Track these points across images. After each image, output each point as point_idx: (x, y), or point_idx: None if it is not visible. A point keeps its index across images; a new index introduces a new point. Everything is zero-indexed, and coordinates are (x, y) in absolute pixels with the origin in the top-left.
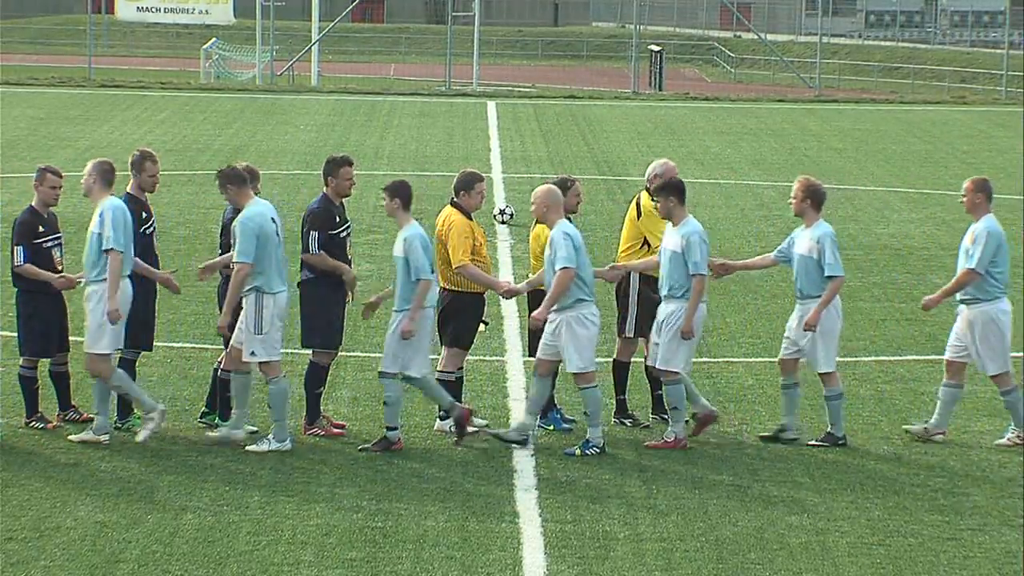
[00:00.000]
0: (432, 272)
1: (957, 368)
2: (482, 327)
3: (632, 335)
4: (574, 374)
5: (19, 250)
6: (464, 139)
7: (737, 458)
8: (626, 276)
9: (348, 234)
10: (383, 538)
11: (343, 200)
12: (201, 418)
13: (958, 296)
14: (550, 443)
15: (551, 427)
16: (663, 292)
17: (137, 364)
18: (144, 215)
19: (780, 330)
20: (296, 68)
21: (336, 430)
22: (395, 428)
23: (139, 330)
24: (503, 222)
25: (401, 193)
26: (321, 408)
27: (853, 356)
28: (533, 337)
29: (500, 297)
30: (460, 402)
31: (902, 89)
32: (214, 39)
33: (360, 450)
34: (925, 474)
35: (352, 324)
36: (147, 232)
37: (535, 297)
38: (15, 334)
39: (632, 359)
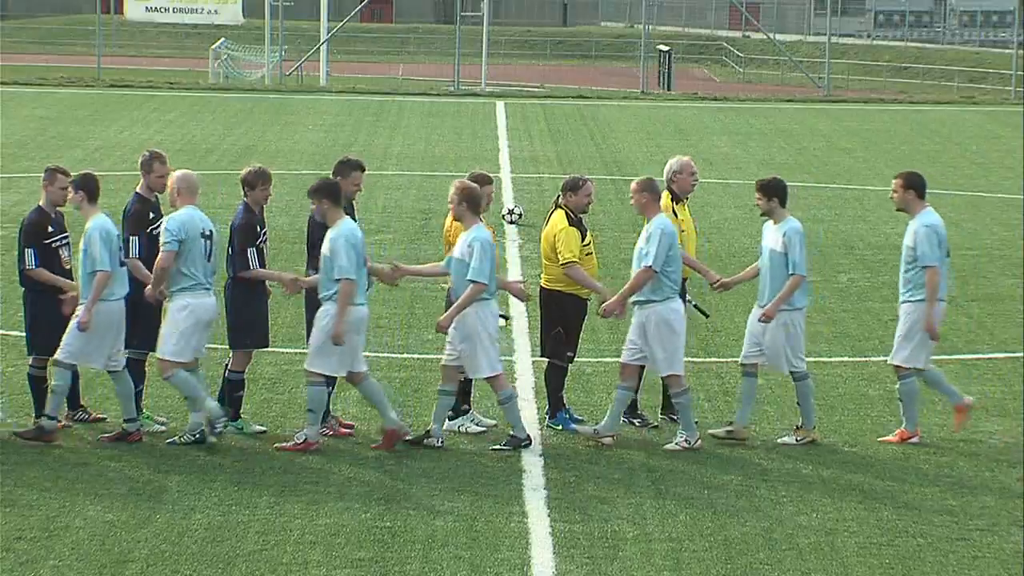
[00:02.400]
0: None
1: (632, 371)
2: (501, 322)
3: None
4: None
5: (30, 252)
6: (473, 139)
7: (746, 458)
8: None
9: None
10: (392, 538)
11: (350, 202)
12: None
13: (632, 297)
14: (559, 443)
15: (559, 427)
16: (765, 291)
17: (146, 364)
18: (152, 215)
19: None
20: (305, 68)
21: (344, 430)
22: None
23: (147, 331)
24: (512, 222)
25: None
26: (330, 408)
27: (863, 356)
28: (547, 339)
29: (515, 298)
30: (468, 403)
31: (911, 89)
32: (223, 39)
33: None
34: (934, 474)
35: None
36: (156, 232)
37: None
38: (24, 334)
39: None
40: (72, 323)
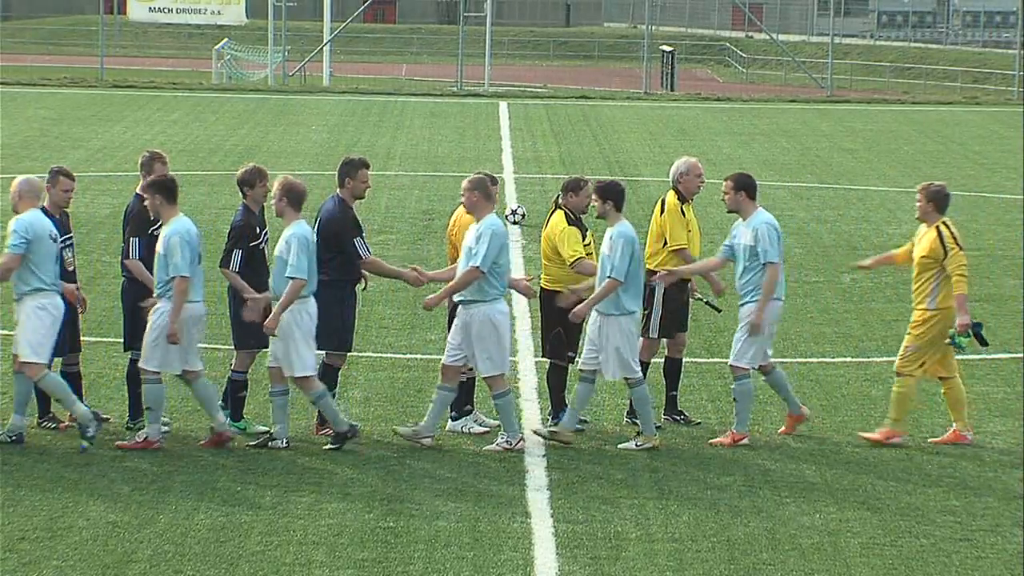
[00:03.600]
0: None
1: (453, 372)
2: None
3: (656, 336)
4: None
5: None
6: (476, 139)
7: (749, 459)
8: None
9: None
10: (395, 538)
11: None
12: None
13: (456, 296)
14: (561, 444)
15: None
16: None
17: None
18: (153, 216)
19: (791, 330)
20: (308, 68)
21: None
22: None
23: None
24: (515, 222)
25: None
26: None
27: (865, 356)
28: (545, 337)
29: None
30: (471, 403)
31: (914, 89)
32: (226, 39)
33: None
34: (937, 475)
35: (363, 325)
36: (156, 234)
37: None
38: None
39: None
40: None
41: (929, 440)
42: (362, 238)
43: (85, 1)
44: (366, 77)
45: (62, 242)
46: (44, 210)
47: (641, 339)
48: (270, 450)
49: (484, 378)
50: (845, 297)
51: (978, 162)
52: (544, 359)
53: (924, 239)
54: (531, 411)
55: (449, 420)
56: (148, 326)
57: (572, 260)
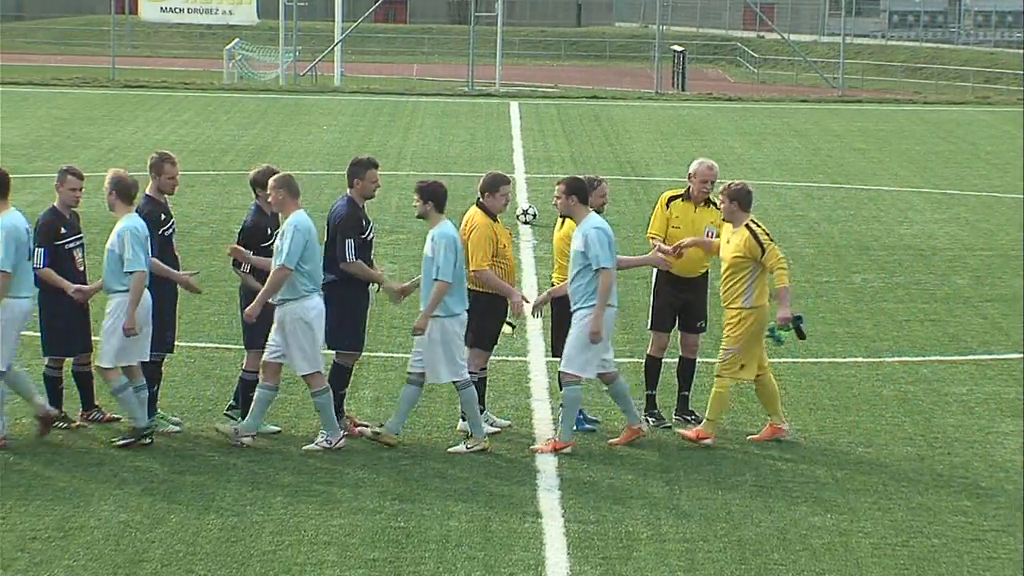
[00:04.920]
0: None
1: (274, 369)
2: (508, 329)
3: (649, 327)
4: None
5: (40, 252)
6: (487, 139)
7: (760, 459)
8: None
9: (373, 236)
10: (406, 538)
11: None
12: (227, 411)
13: (272, 299)
14: (573, 443)
15: (586, 426)
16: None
17: (163, 365)
18: (163, 217)
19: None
20: (319, 68)
21: (358, 429)
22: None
23: (161, 332)
24: (526, 222)
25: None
26: (345, 408)
27: (877, 357)
28: (556, 337)
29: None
30: (483, 403)
31: (926, 89)
32: (237, 40)
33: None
34: (948, 475)
35: (375, 324)
36: (166, 234)
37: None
38: (39, 334)
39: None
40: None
41: (748, 438)
42: (356, 240)
43: (97, 1)
44: (377, 77)
45: (72, 242)
46: (53, 209)
47: (651, 333)
48: (276, 451)
49: (301, 376)
50: (856, 297)
51: (990, 162)
52: (556, 358)
53: (734, 239)
54: (543, 411)
55: (460, 420)
56: None
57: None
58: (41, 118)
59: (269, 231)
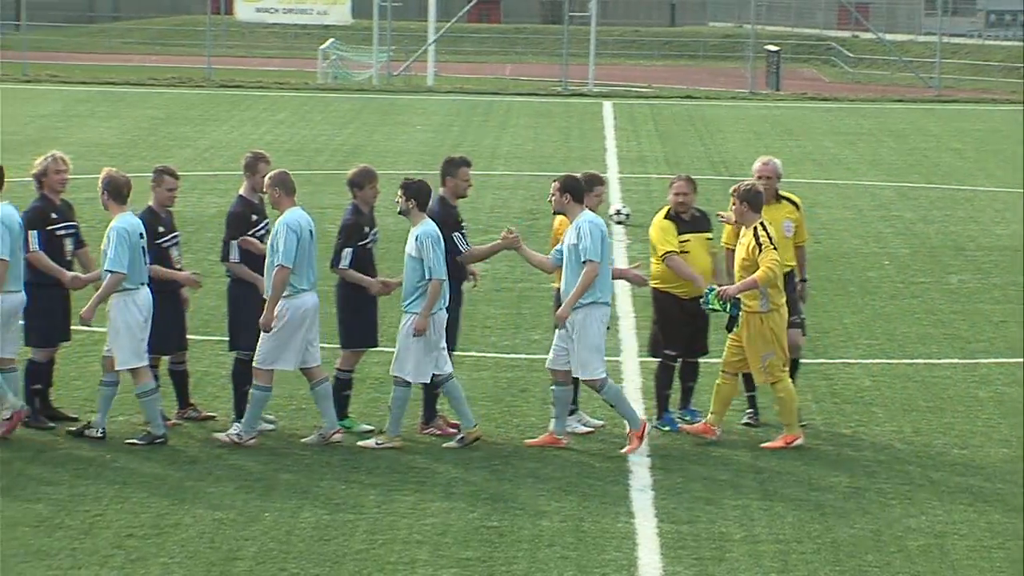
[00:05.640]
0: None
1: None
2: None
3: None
4: None
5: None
6: (580, 139)
7: (854, 460)
8: None
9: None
10: (499, 538)
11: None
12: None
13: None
14: (665, 443)
15: (666, 428)
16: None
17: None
18: (255, 217)
19: (897, 331)
20: (413, 68)
21: (452, 429)
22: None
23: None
24: (619, 222)
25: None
26: (437, 407)
27: (972, 358)
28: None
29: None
30: (576, 402)
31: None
32: (332, 39)
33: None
34: None
35: (467, 324)
36: (259, 234)
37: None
38: None
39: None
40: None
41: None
42: (462, 234)
43: (193, 1)
44: (471, 77)
45: (168, 241)
46: (150, 208)
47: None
48: (375, 449)
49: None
50: (952, 298)
51: None
52: (654, 358)
53: (743, 242)
54: (637, 411)
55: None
56: None
57: (663, 253)
58: (137, 118)
59: (367, 229)
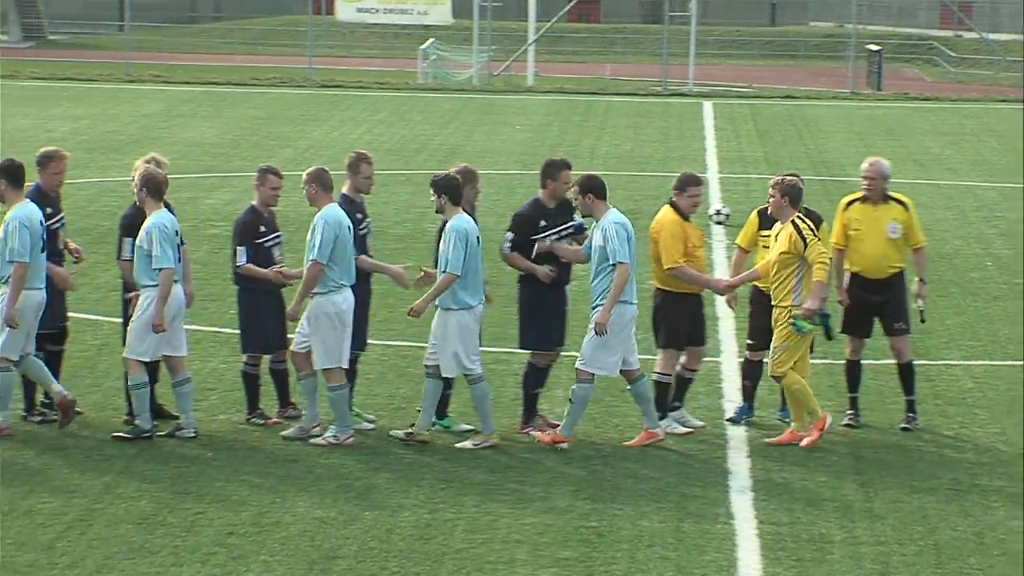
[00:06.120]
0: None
1: (302, 359)
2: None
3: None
4: None
5: (241, 251)
6: (680, 139)
7: (956, 461)
8: None
9: (560, 236)
10: (597, 538)
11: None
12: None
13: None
14: (765, 445)
15: (744, 417)
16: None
17: (358, 363)
18: (359, 216)
19: (1000, 333)
20: (512, 68)
21: (550, 429)
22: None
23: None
24: (719, 223)
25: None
26: (537, 408)
27: None
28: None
29: (716, 296)
30: (682, 400)
31: None
32: (432, 39)
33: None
34: None
35: (575, 323)
36: (362, 233)
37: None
38: (237, 331)
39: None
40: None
41: (766, 441)
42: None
43: (294, 2)
44: (570, 77)
45: (271, 240)
46: (252, 207)
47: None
48: (475, 449)
49: (320, 370)
50: None
51: None
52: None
53: (780, 236)
54: (732, 413)
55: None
56: None
57: (666, 266)
58: (239, 118)
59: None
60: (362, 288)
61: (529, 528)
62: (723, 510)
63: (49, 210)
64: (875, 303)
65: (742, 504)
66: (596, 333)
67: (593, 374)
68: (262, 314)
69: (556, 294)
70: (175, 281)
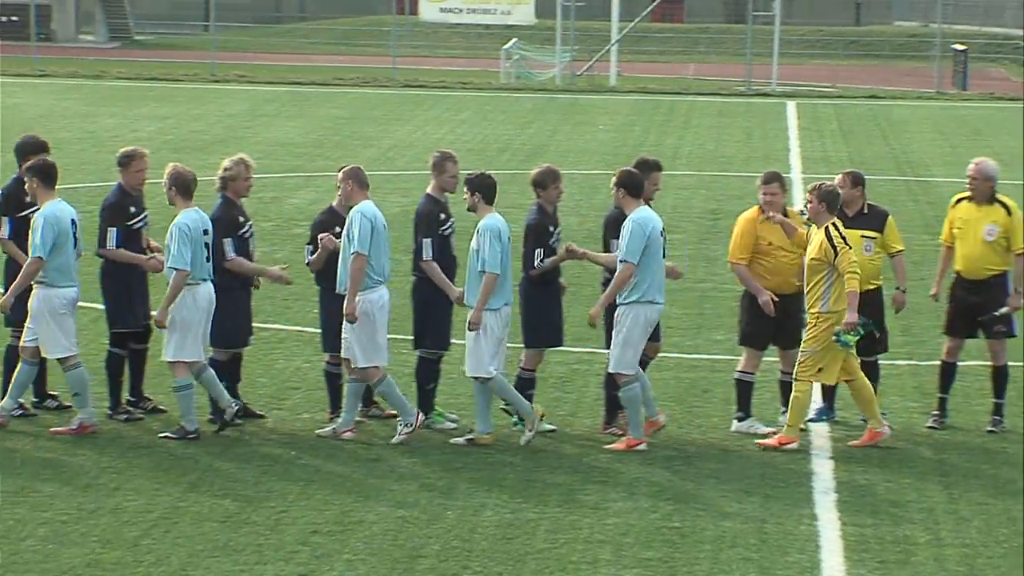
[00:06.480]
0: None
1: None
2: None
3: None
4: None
5: (309, 249)
6: (763, 139)
7: None
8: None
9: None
10: (680, 538)
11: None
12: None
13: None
14: (848, 445)
15: (825, 418)
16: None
17: (441, 362)
18: (443, 216)
19: None
20: (595, 68)
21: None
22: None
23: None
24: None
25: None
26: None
27: None
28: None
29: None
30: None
31: None
32: (515, 39)
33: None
34: None
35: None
36: (446, 233)
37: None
38: (319, 331)
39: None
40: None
41: (849, 443)
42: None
43: (378, 2)
44: (653, 77)
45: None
46: (331, 209)
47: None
48: (551, 450)
49: (352, 368)
50: None
51: None
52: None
53: (814, 241)
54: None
55: (735, 421)
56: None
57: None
58: (323, 117)
59: (551, 229)
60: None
61: (612, 528)
62: (806, 511)
63: (132, 209)
64: (974, 304)
65: (825, 505)
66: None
67: (631, 374)
68: (343, 314)
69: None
70: (203, 280)
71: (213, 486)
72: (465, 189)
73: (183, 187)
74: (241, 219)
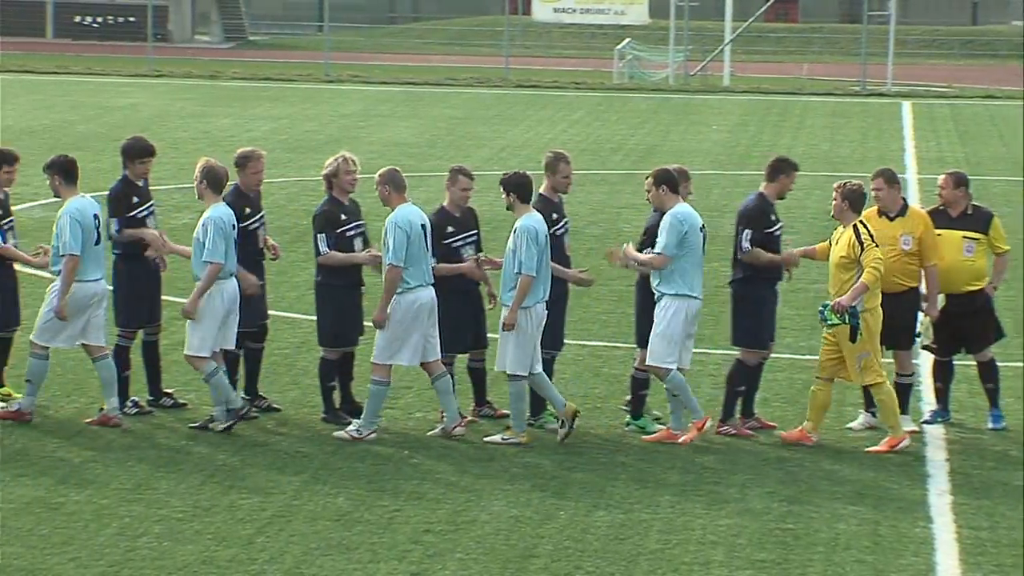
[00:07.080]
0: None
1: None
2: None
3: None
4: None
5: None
6: (878, 140)
7: None
8: None
9: (781, 233)
10: (794, 540)
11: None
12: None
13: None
14: (966, 447)
15: (940, 420)
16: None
17: (554, 363)
18: (556, 216)
19: None
20: (709, 68)
21: (747, 432)
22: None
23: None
24: None
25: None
26: (736, 408)
27: None
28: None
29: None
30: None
31: None
32: (628, 39)
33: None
34: None
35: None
36: (558, 233)
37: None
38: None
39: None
40: None
41: (866, 450)
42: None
43: (491, 2)
44: (767, 76)
45: (459, 240)
46: (443, 208)
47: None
48: (664, 450)
49: (372, 363)
50: None
51: None
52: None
53: (842, 239)
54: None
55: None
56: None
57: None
58: (436, 117)
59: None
60: (556, 289)
61: (724, 529)
62: (921, 513)
63: (248, 210)
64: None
65: (941, 507)
66: (663, 330)
67: (669, 368)
68: (455, 313)
69: (771, 292)
70: (231, 275)
71: (327, 485)
72: (501, 189)
73: (215, 182)
74: (344, 217)
